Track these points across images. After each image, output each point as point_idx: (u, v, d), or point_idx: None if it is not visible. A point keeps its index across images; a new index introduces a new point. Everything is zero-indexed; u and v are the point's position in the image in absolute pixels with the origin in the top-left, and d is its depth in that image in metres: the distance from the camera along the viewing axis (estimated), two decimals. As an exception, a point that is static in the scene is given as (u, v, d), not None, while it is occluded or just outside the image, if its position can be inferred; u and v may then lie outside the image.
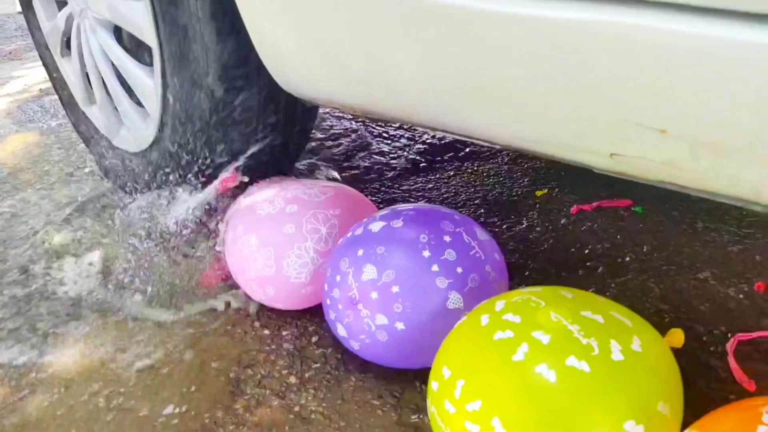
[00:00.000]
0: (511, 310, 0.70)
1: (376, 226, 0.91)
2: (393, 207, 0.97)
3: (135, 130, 1.32)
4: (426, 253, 0.86)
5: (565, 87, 0.66)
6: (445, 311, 0.84)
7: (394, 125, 1.76)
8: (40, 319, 1.10)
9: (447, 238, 0.87)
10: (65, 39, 1.42)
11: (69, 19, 1.36)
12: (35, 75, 2.66)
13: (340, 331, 0.90)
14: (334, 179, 1.43)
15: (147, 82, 1.19)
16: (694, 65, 0.55)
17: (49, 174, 1.66)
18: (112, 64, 1.28)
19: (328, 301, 0.91)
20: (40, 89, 2.46)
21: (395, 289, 0.84)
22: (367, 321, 0.86)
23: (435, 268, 0.85)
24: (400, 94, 0.86)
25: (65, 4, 1.35)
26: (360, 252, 0.88)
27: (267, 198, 1.06)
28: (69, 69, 1.46)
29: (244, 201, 1.10)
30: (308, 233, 0.99)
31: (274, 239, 0.99)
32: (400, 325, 0.84)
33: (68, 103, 1.54)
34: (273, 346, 0.99)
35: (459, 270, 0.85)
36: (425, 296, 0.84)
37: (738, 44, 0.52)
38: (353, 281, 0.87)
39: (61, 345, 1.04)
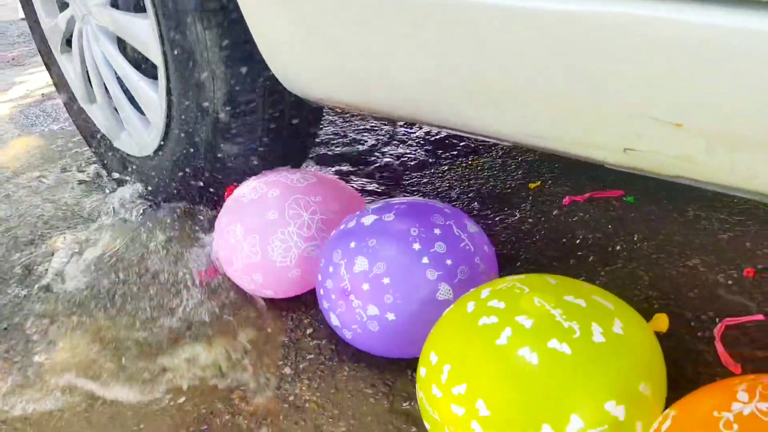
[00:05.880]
0: (496, 296, 0.71)
1: (368, 220, 0.93)
2: (386, 201, 0.99)
3: (137, 137, 1.34)
4: (416, 246, 0.87)
5: (575, 82, 0.65)
6: (434, 302, 0.85)
7: (377, 121, 1.78)
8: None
9: (437, 231, 0.89)
10: (66, 38, 1.42)
11: (70, 22, 1.36)
12: (37, 80, 2.69)
13: (333, 321, 0.92)
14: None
15: (151, 95, 1.19)
16: (710, 57, 0.55)
17: (47, 177, 1.69)
18: (115, 72, 1.29)
19: (322, 291, 0.93)
20: (42, 94, 2.49)
21: (386, 280, 0.86)
22: (359, 311, 0.88)
23: (425, 260, 0.86)
24: (403, 92, 0.85)
25: (68, 5, 1.33)
26: (352, 244, 0.90)
27: (250, 186, 1.09)
28: (69, 67, 1.45)
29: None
30: (291, 218, 1.02)
31: (258, 226, 1.02)
32: (390, 316, 0.86)
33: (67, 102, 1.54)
34: (268, 339, 1.01)
35: (448, 262, 0.87)
36: (415, 288, 0.85)
37: (754, 35, 0.51)
38: (345, 272, 0.89)
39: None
